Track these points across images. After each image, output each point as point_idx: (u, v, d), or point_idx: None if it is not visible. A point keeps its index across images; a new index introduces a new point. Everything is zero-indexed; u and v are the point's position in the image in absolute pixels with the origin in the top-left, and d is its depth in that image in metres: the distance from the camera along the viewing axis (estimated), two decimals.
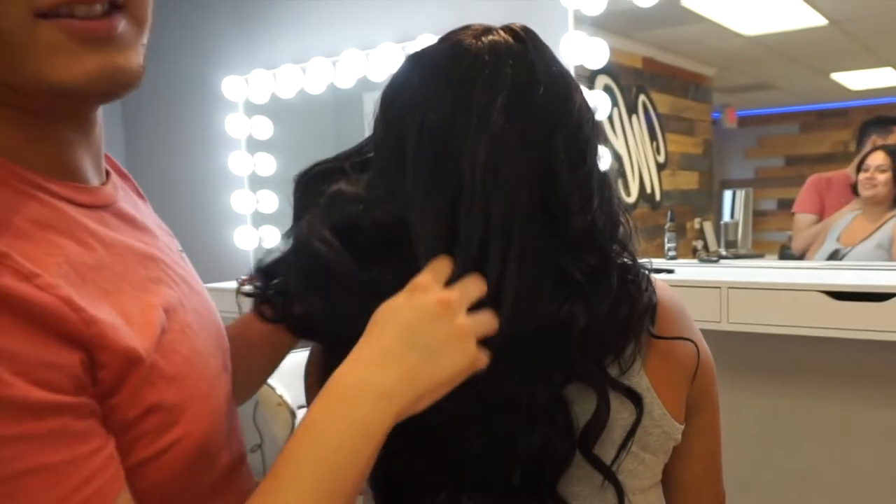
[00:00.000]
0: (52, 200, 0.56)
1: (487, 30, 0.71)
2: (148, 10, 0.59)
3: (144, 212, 0.71)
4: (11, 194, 0.53)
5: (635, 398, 0.71)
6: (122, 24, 0.55)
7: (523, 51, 0.70)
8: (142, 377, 0.54)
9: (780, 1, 2.28)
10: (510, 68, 0.68)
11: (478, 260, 0.65)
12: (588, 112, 0.73)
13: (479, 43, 0.70)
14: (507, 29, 0.72)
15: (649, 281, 0.74)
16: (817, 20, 2.33)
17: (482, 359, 0.64)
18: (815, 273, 1.96)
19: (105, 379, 0.51)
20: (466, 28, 0.72)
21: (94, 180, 0.63)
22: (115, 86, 0.56)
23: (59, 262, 0.52)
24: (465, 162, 0.66)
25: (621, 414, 0.72)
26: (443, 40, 0.72)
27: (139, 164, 3.47)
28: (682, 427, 0.77)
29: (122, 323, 0.53)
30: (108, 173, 0.67)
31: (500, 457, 0.69)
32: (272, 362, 0.92)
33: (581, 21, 2.30)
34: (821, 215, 2.30)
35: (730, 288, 1.80)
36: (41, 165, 0.57)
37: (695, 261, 2.36)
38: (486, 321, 0.64)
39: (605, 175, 0.73)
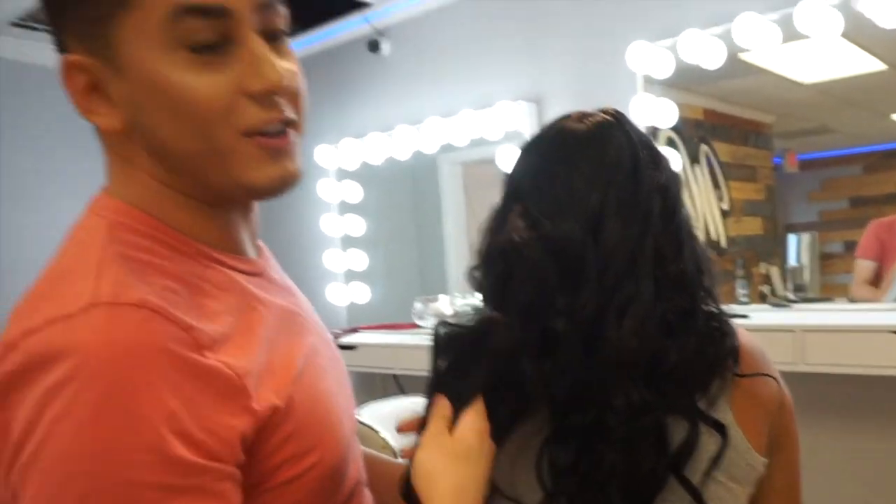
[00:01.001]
0: (224, 269, 0.70)
1: (585, 114, 0.89)
2: (305, 123, 0.72)
3: (284, 276, 0.84)
4: (194, 264, 0.67)
5: (721, 429, 0.80)
6: (293, 137, 0.69)
7: (620, 126, 0.87)
8: (280, 416, 0.64)
9: (836, 50, 2.33)
10: (616, 140, 0.85)
11: (603, 305, 0.79)
12: (673, 172, 0.88)
13: (582, 124, 0.87)
14: (604, 111, 0.89)
15: (730, 325, 0.85)
16: (875, 65, 2.37)
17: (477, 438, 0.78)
18: (887, 314, 1.98)
19: (249, 424, 0.62)
20: (568, 115, 0.89)
21: (251, 252, 0.76)
22: (287, 187, 0.70)
23: (234, 321, 0.65)
24: (609, 209, 0.81)
25: (709, 444, 0.80)
26: (551, 124, 0.90)
27: None
28: (766, 461, 0.84)
29: (271, 380, 0.65)
30: (259, 246, 0.80)
31: (602, 476, 0.79)
32: None
33: (648, 83, 2.43)
34: (881, 261, 2.32)
35: (805, 331, 1.86)
36: (213, 241, 0.70)
37: (765, 305, 2.41)
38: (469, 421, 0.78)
39: (691, 227, 0.89)
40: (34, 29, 3.05)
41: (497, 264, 0.85)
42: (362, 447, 0.95)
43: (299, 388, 0.68)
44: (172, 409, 0.56)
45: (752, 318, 2.08)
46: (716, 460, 0.80)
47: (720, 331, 0.84)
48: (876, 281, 2.35)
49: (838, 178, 2.78)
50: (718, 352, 0.83)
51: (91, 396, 0.54)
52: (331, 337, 0.86)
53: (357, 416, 2.50)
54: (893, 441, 2.00)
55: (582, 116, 0.88)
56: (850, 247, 2.69)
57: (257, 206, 0.78)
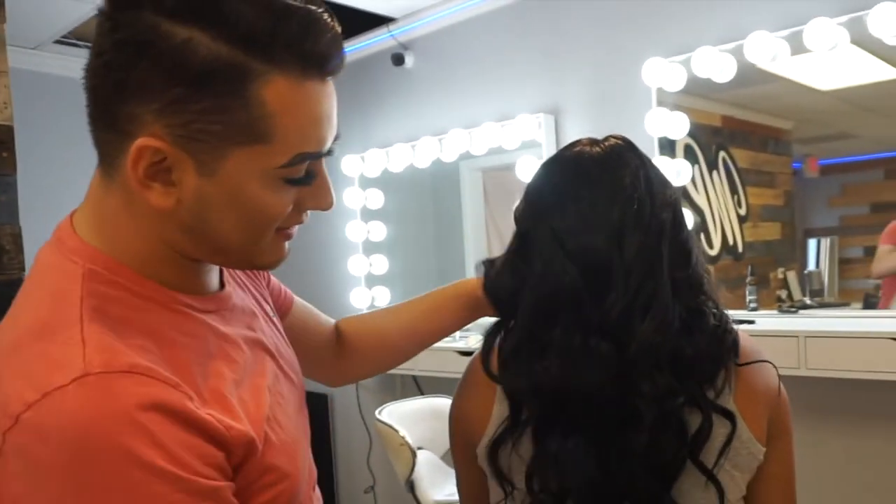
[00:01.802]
0: (194, 314, 0.72)
1: (596, 140, 0.99)
2: None
3: (246, 292, 0.86)
4: (166, 312, 0.70)
5: (730, 417, 0.90)
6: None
7: (632, 149, 0.98)
8: (258, 452, 0.69)
9: (851, 58, 2.34)
10: (630, 161, 0.95)
11: (630, 304, 0.89)
12: (677, 192, 0.99)
13: (597, 148, 0.97)
14: (614, 137, 0.99)
15: (731, 324, 0.95)
16: (891, 73, 2.37)
17: None
18: (888, 321, 2.01)
19: (234, 462, 0.67)
20: (579, 141, 0.99)
21: (216, 284, 0.79)
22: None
23: (202, 370, 0.68)
24: (629, 222, 0.91)
25: (719, 430, 0.90)
26: (566, 149, 1.00)
27: None
28: (765, 450, 0.94)
29: (243, 413, 0.68)
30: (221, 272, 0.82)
31: (631, 459, 0.88)
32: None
33: (663, 94, 2.48)
34: None
35: (807, 337, 1.91)
36: (184, 287, 0.73)
37: (774, 311, 2.43)
38: None
39: (694, 239, 1.00)
40: (77, 46, 3.21)
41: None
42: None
43: (272, 425, 0.73)
44: (178, 454, 0.59)
45: (758, 324, 2.13)
46: (726, 445, 0.89)
47: (723, 329, 0.94)
48: None
49: (859, 184, 2.76)
50: (723, 347, 0.92)
51: (88, 473, 0.56)
52: (288, 347, 0.89)
53: (377, 416, 2.58)
54: (892, 444, 2.01)
55: (594, 142, 0.98)
56: (870, 252, 2.67)
57: None
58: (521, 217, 0.98)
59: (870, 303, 2.43)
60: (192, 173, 0.65)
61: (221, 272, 0.81)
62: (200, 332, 0.72)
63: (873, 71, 2.39)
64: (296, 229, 0.75)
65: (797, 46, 2.23)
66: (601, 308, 0.89)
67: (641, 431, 0.86)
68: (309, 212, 0.74)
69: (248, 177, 0.66)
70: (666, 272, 0.91)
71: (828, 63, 2.40)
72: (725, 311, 0.96)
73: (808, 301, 2.52)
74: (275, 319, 0.91)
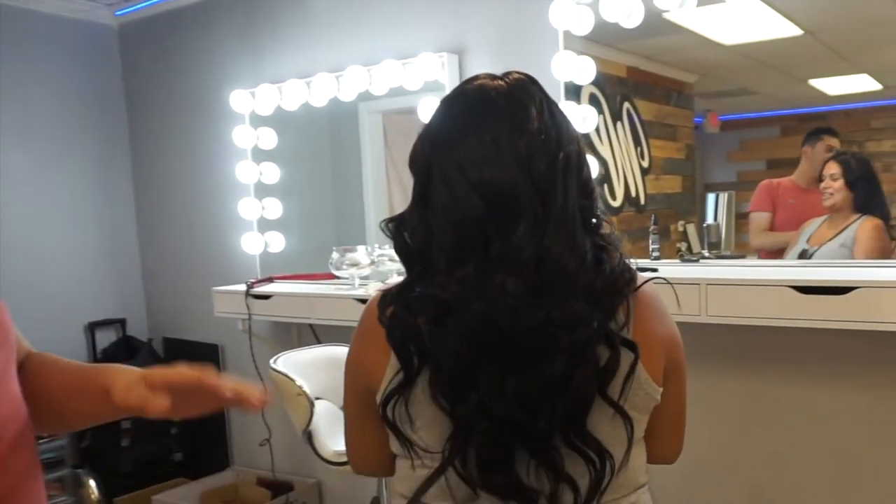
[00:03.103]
0: None
1: (497, 75, 0.97)
2: None
3: None
4: None
5: (633, 347, 0.91)
6: None
7: (536, 84, 0.97)
8: None
9: (756, 13, 2.36)
10: (535, 95, 0.94)
11: (543, 230, 0.88)
12: (578, 131, 0.98)
13: (500, 82, 0.95)
14: (515, 72, 0.97)
15: (629, 264, 0.97)
16: (793, 30, 2.40)
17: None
18: (786, 270, 2.07)
19: None
20: (478, 76, 0.97)
21: None
22: None
23: None
24: (537, 151, 0.90)
25: (624, 362, 0.91)
26: (466, 83, 0.97)
27: (151, 175, 3.64)
28: (661, 390, 0.97)
29: None
30: None
31: (544, 392, 0.87)
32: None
33: (569, 38, 2.40)
34: (773, 213, 2.44)
35: (708, 284, 1.92)
36: None
37: (676, 260, 2.47)
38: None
39: (595, 182, 0.99)
40: None
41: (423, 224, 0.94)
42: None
43: None
44: None
45: (661, 272, 2.12)
46: (630, 375, 0.91)
47: (624, 265, 0.95)
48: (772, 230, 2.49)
49: (757, 140, 2.83)
50: (624, 281, 0.94)
51: None
52: None
53: (272, 365, 2.44)
54: (787, 386, 2.09)
55: (495, 76, 0.96)
56: None
57: None
58: (421, 155, 0.95)
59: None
60: None
61: None
62: None
63: (776, 27, 2.42)
64: None
65: None
66: (511, 240, 0.87)
67: (556, 361, 0.86)
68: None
69: None
70: (577, 206, 0.91)
71: (733, 17, 2.41)
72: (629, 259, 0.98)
73: (706, 253, 2.57)
74: None
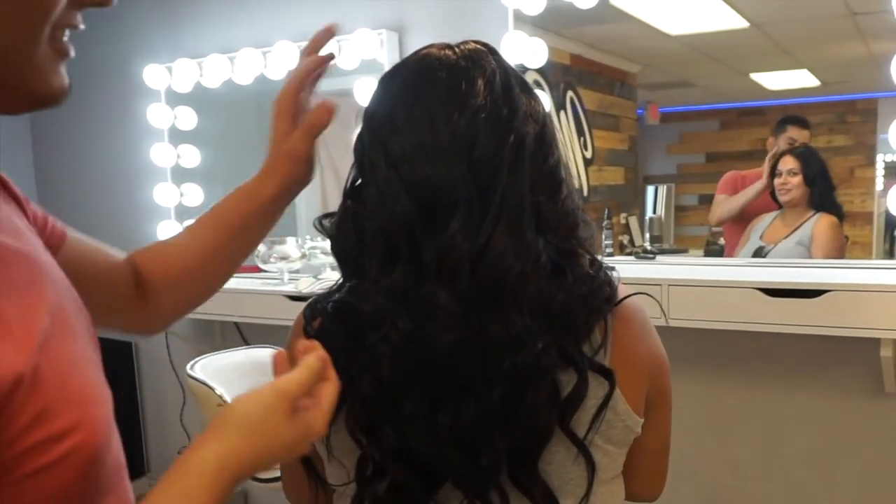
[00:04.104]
0: None
1: (449, 45, 0.81)
2: None
3: (11, 212, 0.68)
4: None
5: (608, 374, 0.77)
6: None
7: (493, 55, 0.81)
8: (26, 387, 0.51)
9: (704, 3, 2.33)
10: (489, 66, 0.78)
11: (478, 228, 0.73)
12: (545, 111, 0.82)
13: (448, 51, 0.80)
14: (473, 41, 0.82)
15: (609, 275, 0.82)
16: (739, 22, 2.39)
17: (318, 430, 0.66)
18: (748, 270, 2.00)
19: None
20: (430, 45, 0.81)
21: None
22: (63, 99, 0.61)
23: None
24: (480, 131, 0.75)
25: (595, 392, 0.77)
26: (412, 55, 0.82)
27: (51, 156, 3.32)
28: (642, 421, 0.83)
29: (6, 332, 0.51)
30: None
31: (486, 422, 0.73)
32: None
33: (520, 20, 2.30)
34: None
35: (670, 285, 1.83)
36: None
37: (631, 258, 2.40)
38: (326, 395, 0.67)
39: (567, 172, 0.82)
40: None
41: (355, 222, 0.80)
42: None
43: (47, 353, 0.54)
44: None
45: (619, 272, 2.04)
46: (601, 409, 0.77)
47: (601, 278, 0.80)
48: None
49: (697, 133, 2.84)
50: (599, 298, 0.79)
51: None
52: (66, 280, 0.68)
53: (190, 371, 2.23)
54: (748, 391, 2.04)
55: (447, 46, 0.81)
56: (705, 200, 2.76)
57: None
58: (357, 142, 0.81)
59: (711, 250, 2.48)
60: None
61: None
62: None
63: (723, 18, 2.41)
64: (72, 50, 0.60)
65: None
66: (441, 239, 0.73)
67: (495, 386, 0.73)
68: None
69: None
70: (527, 197, 0.75)
71: (681, 6, 2.39)
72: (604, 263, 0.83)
73: (648, 246, 2.53)
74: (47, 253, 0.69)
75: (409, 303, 0.73)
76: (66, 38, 0.60)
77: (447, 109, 0.74)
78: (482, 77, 0.76)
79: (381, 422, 0.75)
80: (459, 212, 0.72)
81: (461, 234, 0.72)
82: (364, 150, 0.79)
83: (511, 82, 0.78)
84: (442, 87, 0.76)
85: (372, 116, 0.79)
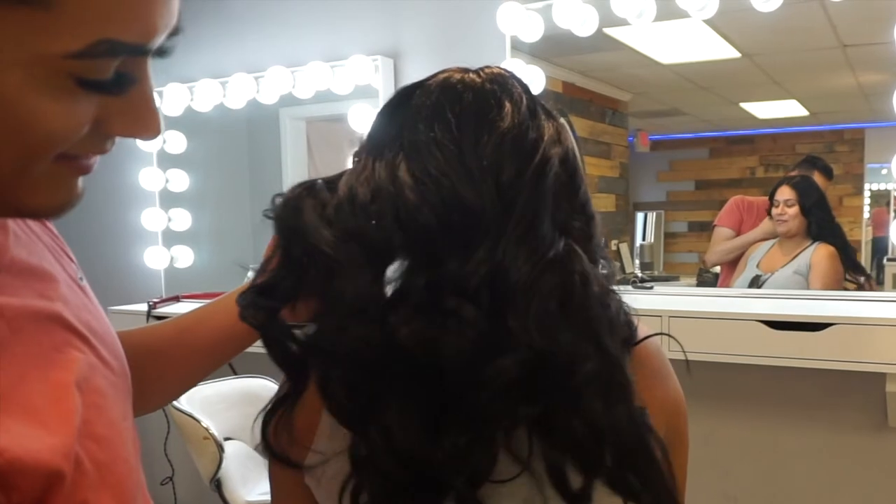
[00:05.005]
0: None
1: (467, 69, 0.77)
2: None
3: (39, 246, 0.63)
4: None
5: None
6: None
7: (515, 79, 0.77)
8: (64, 485, 0.48)
9: (696, 33, 2.34)
10: (513, 89, 0.76)
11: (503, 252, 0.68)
12: (572, 138, 0.79)
13: (472, 75, 0.76)
14: (492, 66, 0.78)
15: (629, 312, 0.77)
16: (731, 53, 2.42)
17: None
18: (749, 302, 1.97)
19: (22, 501, 0.46)
20: (445, 70, 0.78)
21: None
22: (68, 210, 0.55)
23: None
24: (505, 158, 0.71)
25: None
26: (428, 78, 0.77)
27: None
28: None
29: (33, 428, 0.47)
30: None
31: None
32: (215, 365, 0.91)
33: (516, 48, 2.30)
34: (738, 232, 2.39)
35: (671, 317, 1.79)
36: None
37: (629, 287, 2.38)
38: None
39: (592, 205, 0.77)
40: None
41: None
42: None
43: (87, 442, 0.51)
44: None
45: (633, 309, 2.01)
46: None
47: (622, 320, 0.74)
48: None
49: (686, 161, 2.86)
50: (623, 340, 0.73)
51: None
52: (104, 322, 0.64)
53: (174, 403, 2.17)
54: (747, 425, 2.02)
55: (466, 70, 0.78)
56: (694, 227, 2.78)
57: None
58: (370, 163, 0.75)
59: (704, 279, 2.48)
60: None
61: None
62: None
63: (714, 49, 2.44)
64: (95, 161, 0.53)
65: (665, 10, 2.10)
66: (461, 265, 0.67)
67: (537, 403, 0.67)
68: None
69: (12, 61, 0.43)
70: (552, 219, 0.70)
71: (674, 36, 2.40)
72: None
73: (639, 274, 2.54)
74: (83, 284, 0.67)
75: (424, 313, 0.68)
76: (90, 161, 0.54)
77: (476, 132, 0.72)
78: (510, 100, 0.74)
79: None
80: (485, 235, 0.68)
81: (485, 260, 0.68)
82: (377, 169, 0.74)
83: (536, 107, 0.76)
84: (469, 109, 0.74)
85: (386, 135, 0.76)
